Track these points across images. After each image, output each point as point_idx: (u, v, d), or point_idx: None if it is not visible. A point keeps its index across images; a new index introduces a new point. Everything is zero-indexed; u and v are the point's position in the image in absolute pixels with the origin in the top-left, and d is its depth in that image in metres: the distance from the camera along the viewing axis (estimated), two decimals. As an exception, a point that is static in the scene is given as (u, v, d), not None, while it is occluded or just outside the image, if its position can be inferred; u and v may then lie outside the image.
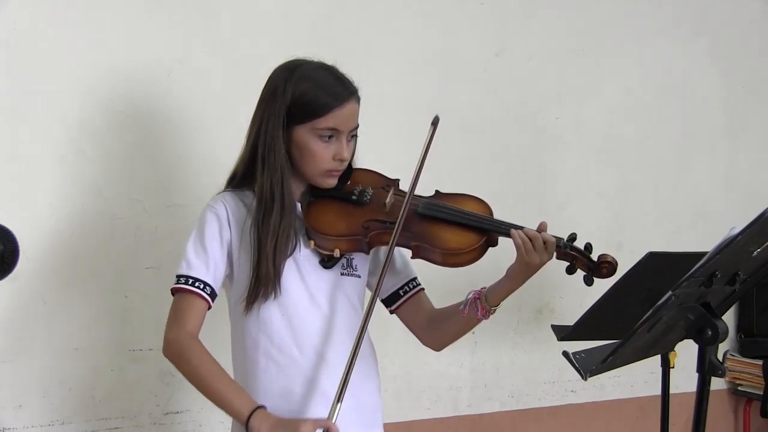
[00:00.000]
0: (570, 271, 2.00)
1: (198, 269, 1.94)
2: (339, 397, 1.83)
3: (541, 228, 1.97)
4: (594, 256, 1.99)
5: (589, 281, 1.99)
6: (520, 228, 1.95)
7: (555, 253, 1.96)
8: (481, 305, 1.99)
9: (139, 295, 2.52)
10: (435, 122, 1.98)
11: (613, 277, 2.04)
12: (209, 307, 1.95)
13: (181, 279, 1.94)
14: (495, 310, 2.01)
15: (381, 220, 1.99)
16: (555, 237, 1.96)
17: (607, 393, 3.49)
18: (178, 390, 2.60)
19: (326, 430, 1.81)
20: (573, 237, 1.99)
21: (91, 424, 2.48)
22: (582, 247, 1.99)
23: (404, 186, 2.06)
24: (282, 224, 1.94)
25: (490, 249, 2.00)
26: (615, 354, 1.78)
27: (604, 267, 1.98)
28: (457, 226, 1.99)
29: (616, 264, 1.99)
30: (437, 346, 2.16)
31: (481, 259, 2.00)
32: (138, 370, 2.54)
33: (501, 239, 1.99)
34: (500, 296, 1.99)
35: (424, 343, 2.16)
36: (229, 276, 2.01)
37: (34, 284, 2.39)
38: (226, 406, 1.89)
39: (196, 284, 1.93)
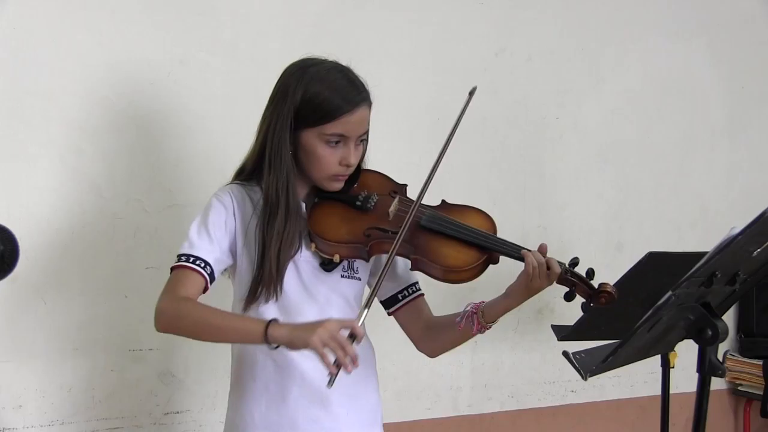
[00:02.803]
0: (568, 297, 1.96)
1: (200, 249, 1.91)
2: (368, 303, 1.80)
3: (542, 250, 1.93)
4: (594, 283, 1.95)
5: (586, 308, 1.97)
6: (522, 249, 1.92)
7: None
8: (477, 320, 1.98)
9: (139, 295, 2.51)
10: (472, 92, 1.94)
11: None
12: (206, 288, 1.91)
13: (182, 257, 1.91)
14: (491, 326, 1.99)
15: (383, 228, 1.95)
16: (558, 262, 1.92)
17: (607, 393, 3.49)
18: (178, 390, 2.60)
19: (352, 331, 1.76)
20: (575, 262, 1.95)
21: (91, 424, 2.47)
22: (584, 273, 1.95)
23: (411, 192, 2.04)
24: (287, 228, 1.92)
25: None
26: (615, 354, 1.78)
27: (603, 296, 1.94)
28: (459, 242, 1.95)
29: (616, 294, 1.94)
30: (432, 353, 2.14)
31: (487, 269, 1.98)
32: (138, 370, 2.53)
33: (502, 257, 1.96)
34: (497, 314, 1.98)
35: (419, 349, 2.15)
36: (232, 268, 2.00)
37: (34, 284, 2.39)
38: (239, 334, 1.85)
39: (197, 262, 1.90)
